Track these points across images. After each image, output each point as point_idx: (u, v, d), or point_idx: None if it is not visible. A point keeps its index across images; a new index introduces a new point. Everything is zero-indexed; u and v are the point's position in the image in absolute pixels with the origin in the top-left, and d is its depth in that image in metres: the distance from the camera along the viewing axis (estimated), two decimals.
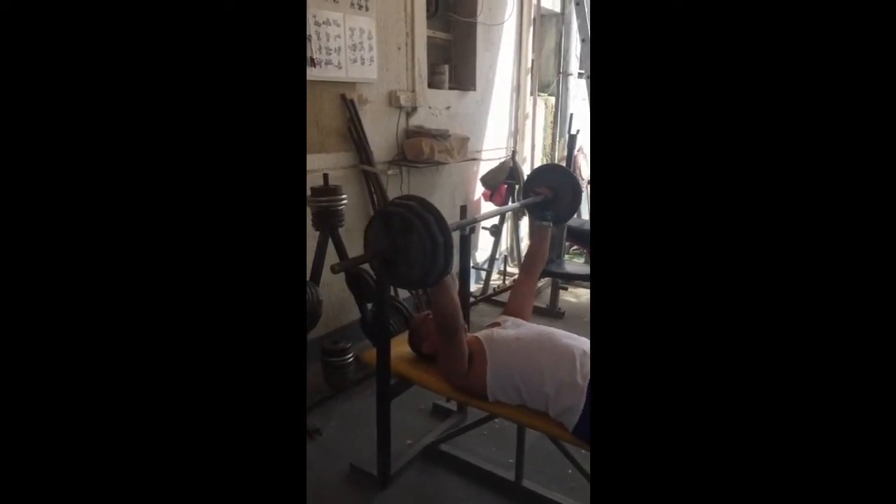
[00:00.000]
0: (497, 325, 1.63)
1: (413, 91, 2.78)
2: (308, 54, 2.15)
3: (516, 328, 1.54)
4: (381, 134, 2.64)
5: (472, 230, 1.79)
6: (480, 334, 1.50)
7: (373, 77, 2.50)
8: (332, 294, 2.47)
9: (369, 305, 2.21)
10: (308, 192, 2.02)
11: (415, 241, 1.20)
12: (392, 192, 2.70)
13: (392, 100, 2.66)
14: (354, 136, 2.45)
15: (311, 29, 2.15)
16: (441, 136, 2.73)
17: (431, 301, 1.40)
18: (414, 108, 2.80)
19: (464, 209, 1.81)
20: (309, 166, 2.26)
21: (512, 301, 1.77)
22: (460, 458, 1.77)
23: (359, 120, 2.44)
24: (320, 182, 2.03)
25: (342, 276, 2.26)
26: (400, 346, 1.70)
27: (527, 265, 1.85)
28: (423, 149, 2.68)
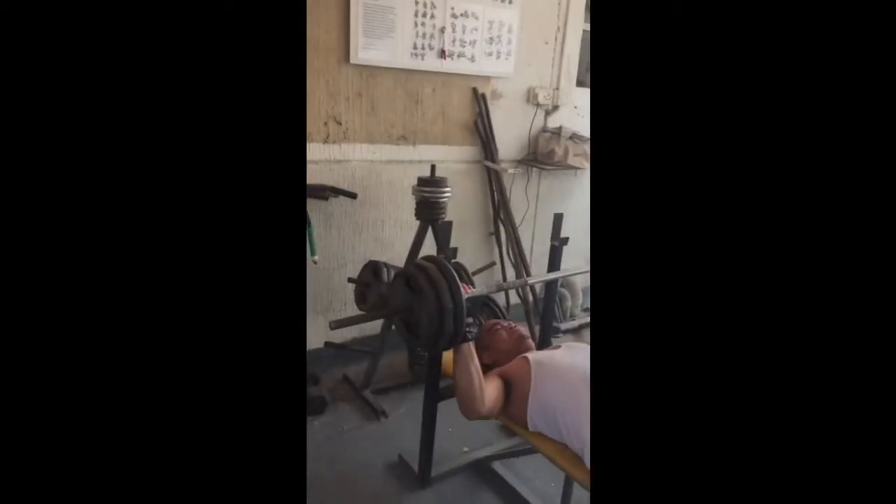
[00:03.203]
0: (558, 347, 1.47)
1: (557, 88, 2.63)
2: (439, 46, 2.16)
3: (573, 355, 1.37)
4: (512, 131, 2.56)
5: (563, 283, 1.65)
6: (531, 356, 1.37)
7: (508, 72, 2.42)
8: None
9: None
10: (415, 182, 2.04)
11: (423, 304, 1.19)
12: (516, 192, 2.62)
13: (530, 96, 2.56)
14: (481, 131, 2.41)
15: (446, 21, 2.15)
16: (578, 138, 2.55)
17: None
18: (555, 107, 2.65)
19: (556, 252, 1.66)
20: (427, 156, 2.29)
21: None
22: (508, 483, 1.65)
23: (488, 115, 2.39)
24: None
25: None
26: None
27: None
28: (556, 150, 2.53)
